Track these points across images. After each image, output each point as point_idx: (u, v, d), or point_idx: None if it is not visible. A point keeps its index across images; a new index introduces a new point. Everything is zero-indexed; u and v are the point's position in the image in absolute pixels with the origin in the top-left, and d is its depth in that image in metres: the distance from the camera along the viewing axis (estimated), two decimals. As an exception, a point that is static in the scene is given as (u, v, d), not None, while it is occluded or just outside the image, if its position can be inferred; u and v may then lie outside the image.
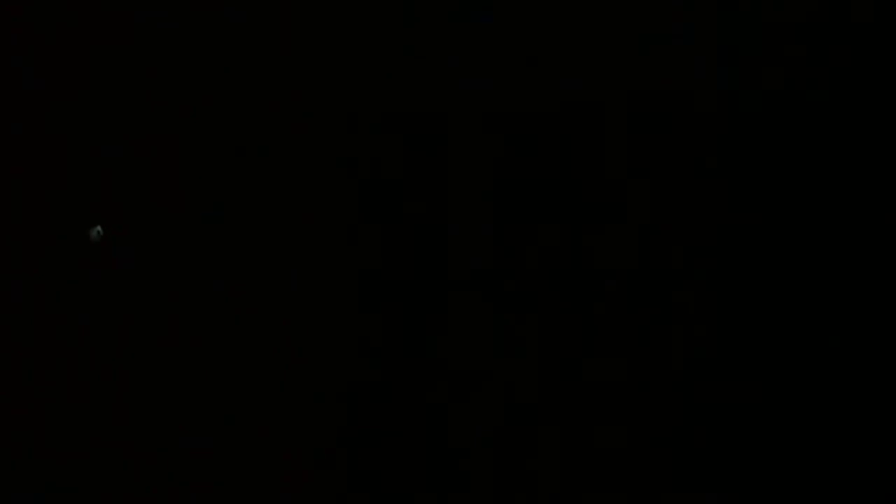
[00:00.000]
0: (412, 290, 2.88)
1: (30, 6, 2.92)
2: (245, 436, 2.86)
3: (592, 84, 2.88)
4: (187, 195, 2.92)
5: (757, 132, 2.83)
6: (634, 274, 2.83)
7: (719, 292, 2.82)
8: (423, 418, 2.85)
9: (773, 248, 2.82)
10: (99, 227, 2.76)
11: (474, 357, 2.85)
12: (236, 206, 2.92)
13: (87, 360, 2.87)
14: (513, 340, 2.85)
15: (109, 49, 2.93)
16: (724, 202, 2.84)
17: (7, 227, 2.90)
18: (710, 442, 2.78)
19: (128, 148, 2.93)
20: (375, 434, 2.85)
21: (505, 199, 2.88)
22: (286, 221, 2.92)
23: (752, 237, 2.82)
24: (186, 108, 2.93)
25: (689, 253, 2.83)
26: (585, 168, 2.87)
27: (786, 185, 2.83)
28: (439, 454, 2.83)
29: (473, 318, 2.86)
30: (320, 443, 2.86)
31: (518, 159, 2.88)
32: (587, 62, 2.89)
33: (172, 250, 2.91)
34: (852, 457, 2.75)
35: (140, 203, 2.92)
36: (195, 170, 2.92)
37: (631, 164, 2.86)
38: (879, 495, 2.72)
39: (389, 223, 2.89)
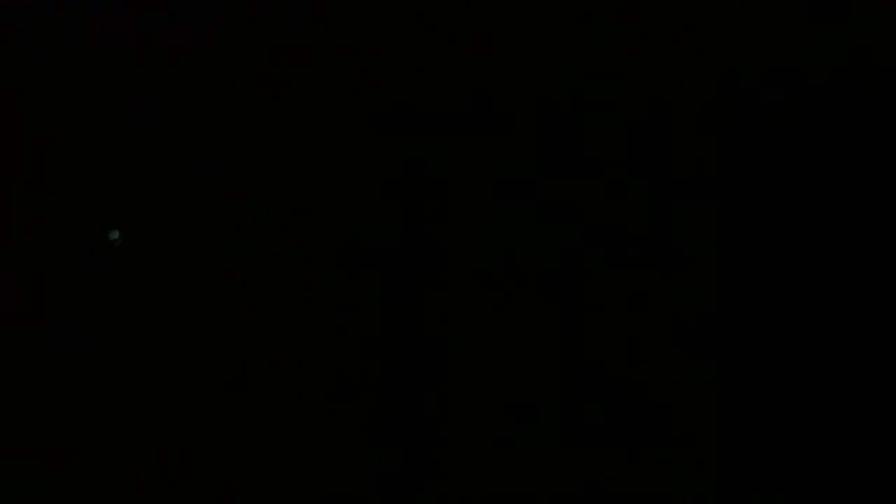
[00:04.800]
0: (412, 286, 2.89)
1: (30, 7, 2.93)
2: (245, 433, 2.87)
3: (594, 84, 2.89)
4: (190, 193, 2.94)
5: (758, 131, 2.85)
6: (635, 272, 2.84)
7: (720, 289, 2.83)
8: (421, 409, 2.86)
9: (774, 247, 2.83)
10: (117, 232, 2.78)
11: (473, 351, 2.86)
12: (238, 205, 2.94)
13: (93, 359, 2.89)
14: (511, 332, 2.86)
15: (110, 50, 2.94)
16: (724, 201, 2.85)
17: (10, 227, 2.91)
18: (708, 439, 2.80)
19: (128, 149, 2.94)
20: (377, 428, 2.86)
21: (504, 197, 2.89)
22: (287, 219, 2.93)
23: (753, 235, 2.84)
24: (188, 109, 2.95)
25: (688, 251, 2.84)
26: (586, 166, 2.88)
27: (786, 183, 2.84)
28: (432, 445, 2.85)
29: (473, 311, 2.87)
30: (325, 437, 2.87)
31: (517, 158, 2.90)
32: (588, 62, 2.90)
33: (177, 249, 2.93)
34: (853, 456, 2.75)
35: (142, 204, 2.93)
36: (197, 168, 2.94)
37: (631, 163, 2.87)
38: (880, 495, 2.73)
39: (389, 219, 2.91)
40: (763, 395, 2.80)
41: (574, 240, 2.86)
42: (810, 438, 2.77)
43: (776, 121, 2.83)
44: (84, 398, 2.88)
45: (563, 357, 2.85)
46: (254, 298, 2.92)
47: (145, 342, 2.90)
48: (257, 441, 2.88)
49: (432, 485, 2.85)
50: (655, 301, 2.84)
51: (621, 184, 2.87)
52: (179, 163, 2.95)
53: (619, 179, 2.88)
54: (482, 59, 2.93)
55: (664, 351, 2.83)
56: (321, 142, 2.96)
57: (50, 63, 2.95)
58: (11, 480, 2.84)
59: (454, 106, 2.93)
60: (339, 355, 2.90)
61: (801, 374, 2.79)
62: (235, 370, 2.90)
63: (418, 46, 2.94)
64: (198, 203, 2.94)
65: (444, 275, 2.89)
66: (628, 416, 2.82)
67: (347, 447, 2.87)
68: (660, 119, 2.88)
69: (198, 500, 2.85)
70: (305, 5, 2.95)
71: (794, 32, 2.83)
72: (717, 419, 2.80)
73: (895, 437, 2.74)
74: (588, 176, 2.88)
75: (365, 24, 2.96)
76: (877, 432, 2.75)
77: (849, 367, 2.78)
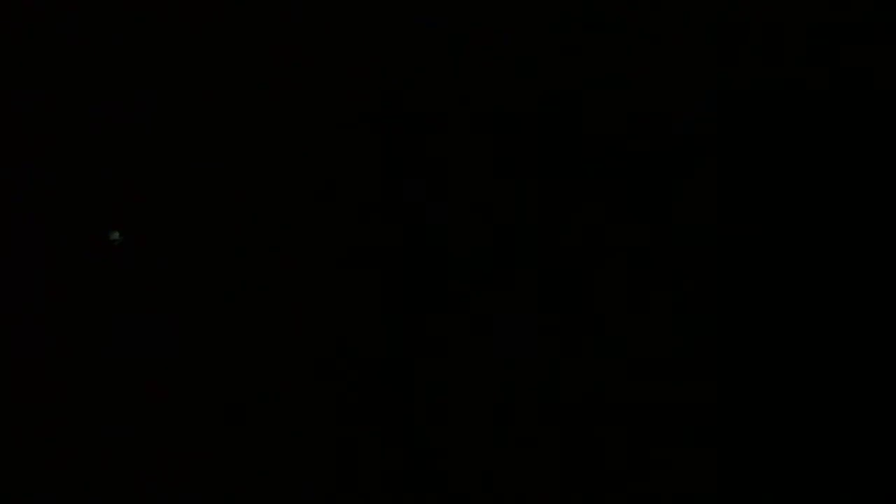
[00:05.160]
0: (413, 285, 2.89)
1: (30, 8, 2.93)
2: (244, 434, 2.88)
3: (594, 83, 2.89)
4: (189, 193, 2.93)
5: (756, 132, 2.84)
6: (634, 272, 2.84)
7: (720, 289, 2.83)
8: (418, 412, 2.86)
9: (771, 247, 2.82)
10: (118, 233, 2.79)
11: (471, 351, 2.86)
12: (238, 205, 2.94)
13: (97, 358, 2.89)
14: (511, 331, 2.86)
15: (111, 51, 2.94)
16: (723, 201, 2.84)
17: (9, 227, 2.91)
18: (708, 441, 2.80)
19: (128, 149, 2.94)
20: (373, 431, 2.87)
21: (503, 196, 2.89)
22: (287, 220, 2.93)
23: (752, 236, 2.83)
24: (188, 109, 2.94)
25: (687, 249, 2.84)
26: (584, 166, 2.88)
27: (785, 185, 2.83)
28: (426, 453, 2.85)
29: (472, 309, 2.87)
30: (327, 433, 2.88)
31: (517, 157, 2.89)
32: (588, 62, 2.90)
33: (176, 249, 2.93)
34: (853, 456, 2.75)
35: (141, 204, 2.93)
36: (196, 168, 2.94)
37: (630, 161, 2.87)
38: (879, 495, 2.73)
39: (389, 220, 2.91)
40: (763, 398, 2.80)
41: (574, 244, 2.86)
42: (812, 442, 2.77)
43: (776, 127, 2.83)
44: (84, 398, 2.88)
45: (562, 360, 2.85)
46: (253, 299, 2.92)
47: (144, 342, 2.90)
48: (256, 442, 2.89)
49: (431, 487, 2.85)
50: (656, 307, 2.84)
51: (620, 185, 2.87)
52: (179, 163, 2.95)
53: (618, 181, 2.87)
54: (482, 60, 2.93)
55: (665, 354, 2.83)
56: (320, 143, 2.95)
57: (50, 63, 2.94)
58: (11, 481, 2.84)
59: (455, 106, 2.92)
60: (338, 356, 2.90)
61: (801, 379, 2.79)
62: (234, 370, 2.91)
63: (419, 46, 2.94)
64: (197, 203, 2.94)
65: (445, 276, 2.89)
66: (629, 418, 2.83)
67: (346, 448, 2.88)
68: (660, 121, 2.87)
69: (197, 501, 2.86)
70: (306, 5, 2.95)
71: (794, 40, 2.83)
72: (716, 423, 2.81)
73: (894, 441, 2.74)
74: (587, 178, 2.88)
75: (366, 24, 2.95)
76: (879, 436, 2.75)
77: (849, 377, 2.78)
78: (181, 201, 2.94)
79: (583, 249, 2.87)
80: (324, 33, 2.95)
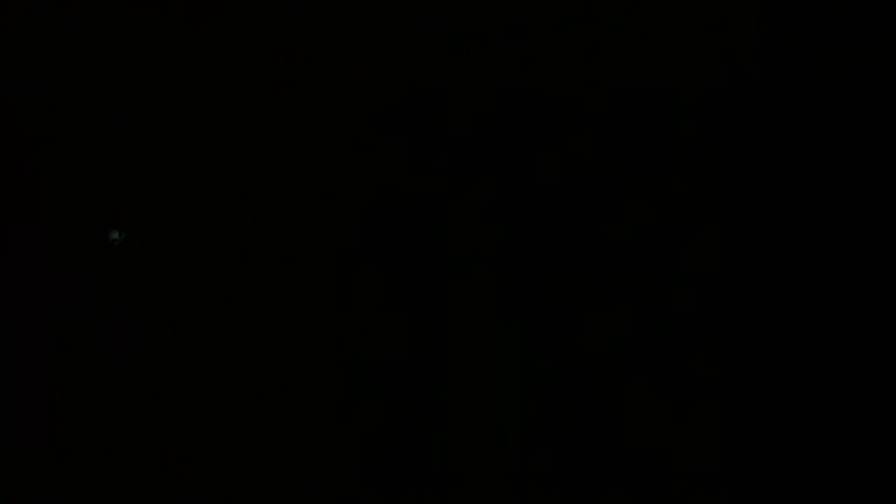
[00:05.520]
0: (414, 287, 2.90)
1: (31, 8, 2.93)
2: (244, 435, 2.88)
3: (593, 82, 2.89)
4: (190, 193, 2.93)
5: (753, 131, 2.84)
6: (634, 273, 2.84)
7: (718, 288, 2.83)
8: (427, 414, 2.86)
9: (770, 246, 2.82)
10: (118, 232, 2.78)
11: (477, 351, 2.86)
12: (238, 205, 2.94)
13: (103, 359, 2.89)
14: (513, 331, 2.86)
15: (112, 52, 2.94)
16: (722, 201, 2.85)
17: (9, 227, 2.91)
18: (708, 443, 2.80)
19: (128, 149, 2.94)
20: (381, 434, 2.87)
21: (504, 196, 2.89)
22: (288, 220, 2.93)
23: (750, 235, 2.83)
24: (188, 110, 2.94)
25: (687, 249, 2.84)
26: (583, 165, 2.88)
27: (783, 183, 2.84)
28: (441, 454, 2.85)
29: (476, 312, 2.87)
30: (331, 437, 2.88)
31: (518, 157, 2.89)
32: (586, 60, 2.90)
33: (177, 249, 2.93)
34: (853, 457, 2.75)
35: (142, 204, 2.93)
36: (197, 168, 2.94)
37: (630, 162, 2.87)
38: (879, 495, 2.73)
39: (390, 220, 2.91)
40: (762, 402, 2.80)
41: (573, 243, 2.86)
42: (812, 443, 2.77)
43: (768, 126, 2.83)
44: (84, 398, 2.88)
45: (562, 364, 2.85)
46: (253, 299, 2.92)
47: (144, 343, 2.90)
48: (257, 442, 2.88)
49: (431, 487, 2.85)
50: (656, 307, 2.84)
51: (620, 187, 2.87)
52: (179, 163, 2.95)
53: (618, 182, 2.88)
54: (481, 60, 2.93)
55: (664, 354, 2.83)
56: (320, 143, 2.95)
57: (50, 63, 2.94)
58: (11, 481, 2.84)
59: (454, 107, 2.92)
60: (339, 357, 2.90)
61: (799, 382, 2.79)
62: (234, 370, 2.90)
63: (420, 46, 2.94)
64: (197, 203, 2.94)
65: (446, 277, 2.89)
66: (629, 418, 2.83)
67: (347, 450, 2.88)
68: (660, 121, 2.87)
69: (197, 501, 2.86)
70: (306, 4, 2.95)
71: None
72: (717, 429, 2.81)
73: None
74: (587, 179, 2.88)
75: (367, 24, 2.95)
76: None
77: (846, 378, 2.78)
78: (181, 201, 2.94)
79: (582, 249, 2.87)
80: (324, 33, 2.95)
